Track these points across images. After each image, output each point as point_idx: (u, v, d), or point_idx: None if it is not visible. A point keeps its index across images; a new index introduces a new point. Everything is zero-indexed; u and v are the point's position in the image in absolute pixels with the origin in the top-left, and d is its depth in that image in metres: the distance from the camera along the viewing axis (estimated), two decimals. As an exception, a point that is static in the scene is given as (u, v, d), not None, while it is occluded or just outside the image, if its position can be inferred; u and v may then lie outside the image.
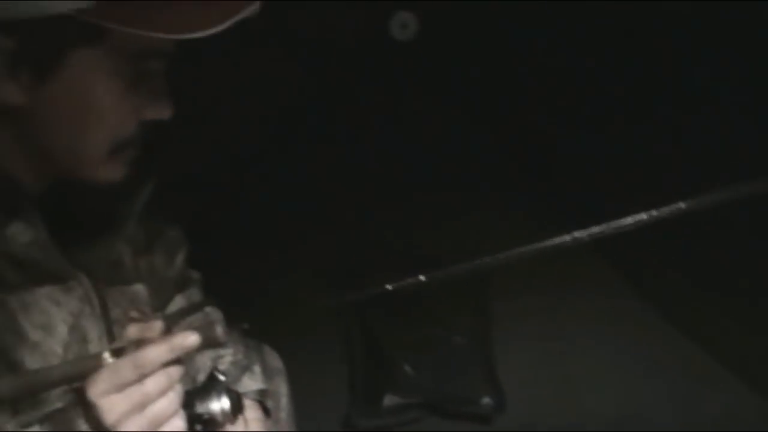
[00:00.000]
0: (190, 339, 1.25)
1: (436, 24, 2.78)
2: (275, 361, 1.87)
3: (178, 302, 1.76)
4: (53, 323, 1.39)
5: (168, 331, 1.30)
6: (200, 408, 1.38)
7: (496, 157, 2.97)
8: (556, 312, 3.10)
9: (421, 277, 1.33)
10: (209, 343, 1.29)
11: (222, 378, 1.41)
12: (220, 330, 1.29)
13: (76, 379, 1.25)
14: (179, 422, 1.27)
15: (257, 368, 1.68)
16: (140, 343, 1.26)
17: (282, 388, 1.85)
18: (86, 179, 1.39)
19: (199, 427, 1.38)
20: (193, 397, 1.38)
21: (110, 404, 1.21)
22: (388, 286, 1.35)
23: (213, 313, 1.78)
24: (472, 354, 2.98)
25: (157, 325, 1.29)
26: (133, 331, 1.29)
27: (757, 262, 2.85)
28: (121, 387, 1.21)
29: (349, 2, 2.70)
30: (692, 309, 3.04)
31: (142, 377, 1.22)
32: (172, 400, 1.25)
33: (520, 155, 2.97)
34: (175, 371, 1.26)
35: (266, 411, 1.64)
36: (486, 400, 2.94)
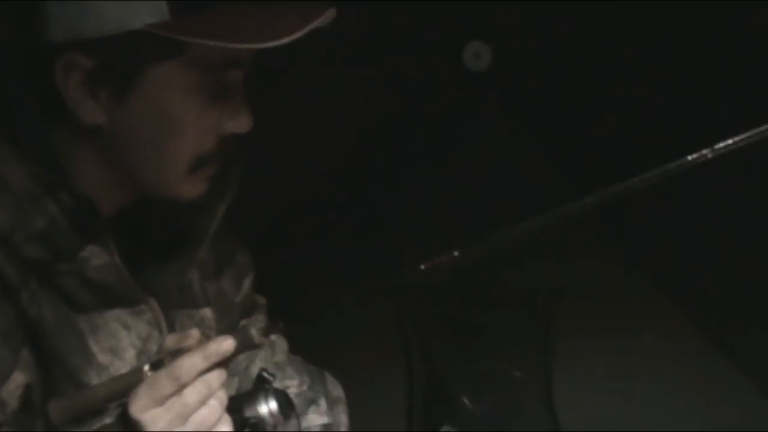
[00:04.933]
0: (224, 344, 1.25)
1: (510, 54, 2.75)
2: (337, 390, 1.85)
3: (244, 328, 1.76)
4: (122, 347, 1.40)
5: (206, 338, 1.30)
6: (248, 412, 1.36)
7: (573, 186, 2.93)
8: (620, 352, 3.04)
9: (455, 253, 1.32)
10: (245, 347, 1.29)
11: (271, 378, 1.39)
12: (254, 332, 1.30)
13: (121, 395, 1.26)
14: (225, 428, 1.27)
15: (322, 401, 1.67)
16: (178, 353, 1.26)
17: (342, 418, 1.83)
18: (167, 197, 1.40)
19: None
20: (241, 401, 1.37)
21: (151, 418, 1.21)
22: (422, 266, 1.34)
23: (279, 341, 1.78)
24: (531, 390, 2.95)
25: (194, 334, 1.30)
26: (170, 341, 1.31)
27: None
28: (161, 400, 1.21)
29: (421, 33, 2.68)
30: (762, 355, 2.99)
31: (180, 388, 1.22)
32: (213, 408, 1.25)
33: (597, 185, 2.93)
34: (215, 378, 1.25)
35: (329, 445, 1.63)
36: (544, 439, 2.91)
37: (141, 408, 1.21)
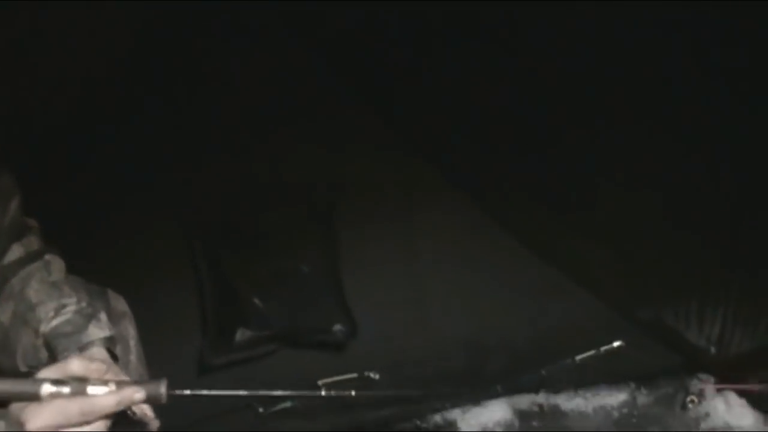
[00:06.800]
0: (137, 395, 1.31)
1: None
2: (121, 304, 1.84)
3: (15, 251, 1.72)
4: None
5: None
6: None
7: (333, 80, 2.93)
8: (404, 235, 3.11)
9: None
10: (151, 401, 1.36)
11: None
12: (163, 390, 1.35)
13: (10, 397, 1.27)
14: None
15: (103, 316, 1.64)
16: (82, 380, 1.30)
17: (130, 331, 1.83)
18: None
19: None
20: None
21: None
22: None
23: (53, 260, 1.74)
24: (321, 283, 2.99)
25: (101, 367, 1.34)
26: (76, 366, 1.32)
27: (594, 175, 2.92)
28: (62, 427, 1.24)
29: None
30: (536, 223, 3.10)
31: (84, 423, 1.26)
32: None
33: (356, 75, 2.95)
34: (109, 421, 1.30)
35: (115, 358, 1.61)
36: (338, 328, 2.96)
37: (40, 426, 1.23)
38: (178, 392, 1.38)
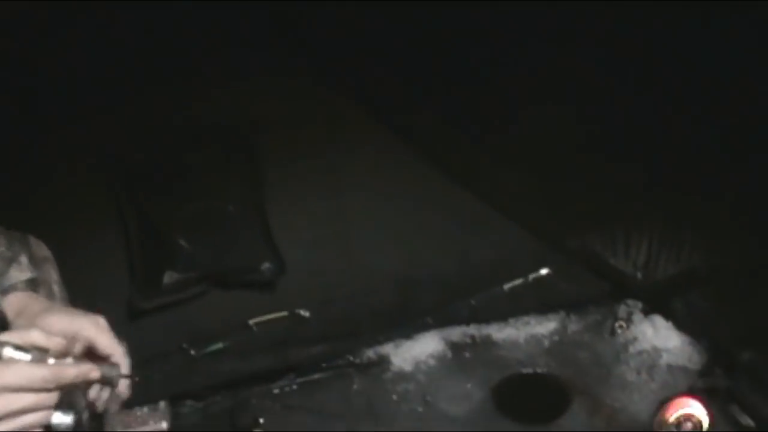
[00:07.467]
0: (93, 373, 1.33)
1: None
2: (42, 250, 1.81)
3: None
4: None
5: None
6: None
7: (258, 15, 2.89)
8: (330, 170, 3.08)
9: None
10: (105, 381, 1.39)
11: None
12: (116, 372, 1.40)
13: None
14: None
15: (23, 258, 1.62)
16: (43, 350, 1.31)
17: (52, 276, 1.79)
18: None
19: None
20: None
21: (6, 402, 1.25)
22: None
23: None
24: (247, 222, 2.95)
25: (62, 342, 1.35)
26: (38, 337, 1.33)
27: (524, 111, 2.93)
28: (23, 390, 1.26)
29: None
30: (460, 155, 3.10)
31: (43, 390, 1.27)
32: (42, 417, 1.29)
33: (279, 13, 2.90)
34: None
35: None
36: (266, 266, 2.93)
37: (1, 385, 1.23)
38: (130, 376, 1.42)
